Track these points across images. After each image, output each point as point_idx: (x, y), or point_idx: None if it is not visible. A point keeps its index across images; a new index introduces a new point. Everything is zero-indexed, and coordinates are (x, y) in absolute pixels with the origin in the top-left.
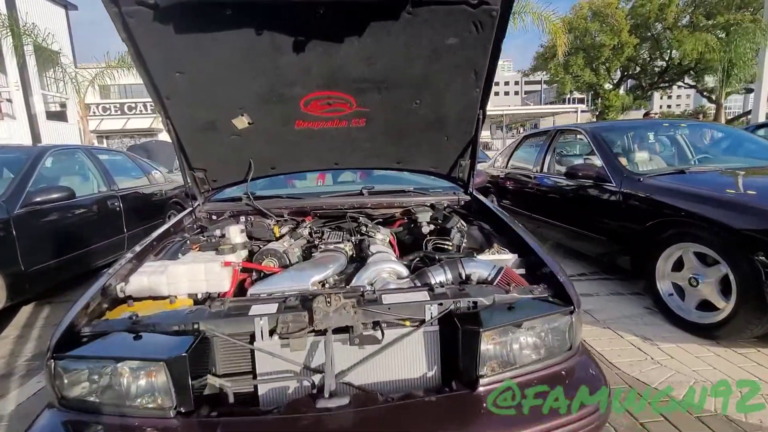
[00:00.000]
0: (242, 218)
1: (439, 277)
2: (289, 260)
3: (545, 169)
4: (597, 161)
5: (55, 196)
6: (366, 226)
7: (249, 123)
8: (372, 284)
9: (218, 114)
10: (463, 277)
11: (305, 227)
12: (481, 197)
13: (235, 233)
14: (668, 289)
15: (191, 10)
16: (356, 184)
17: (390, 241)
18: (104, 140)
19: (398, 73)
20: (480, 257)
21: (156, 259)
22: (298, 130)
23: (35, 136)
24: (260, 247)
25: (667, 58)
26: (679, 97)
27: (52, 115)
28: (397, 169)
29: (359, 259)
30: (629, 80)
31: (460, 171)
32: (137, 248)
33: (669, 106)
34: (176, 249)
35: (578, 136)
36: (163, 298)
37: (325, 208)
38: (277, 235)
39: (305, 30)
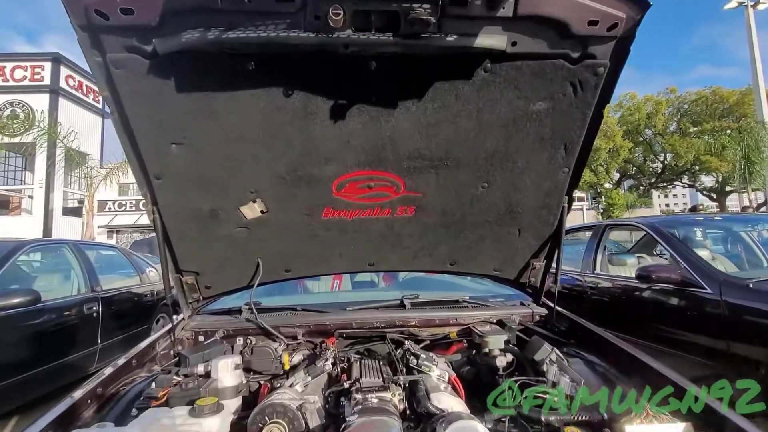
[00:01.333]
0: (239, 340)
1: None
2: (307, 425)
3: (597, 270)
4: (674, 261)
5: (14, 301)
6: (417, 356)
7: (262, 212)
8: None
9: (223, 200)
10: None
11: (328, 357)
12: (564, 311)
13: (225, 371)
14: None
15: (201, 61)
16: (381, 290)
17: (452, 381)
18: (114, 234)
19: (464, 147)
20: (632, 429)
21: (90, 422)
22: (325, 221)
23: (47, 230)
24: (260, 384)
25: (662, 160)
26: (675, 195)
27: (68, 211)
28: (450, 272)
29: (414, 418)
30: (628, 180)
31: (532, 275)
32: (69, 400)
33: (667, 205)
34: (129, 401)
35: (634, 233)
36: None
37: (354, 326)
38: (287, 367)
39: (350, 91)
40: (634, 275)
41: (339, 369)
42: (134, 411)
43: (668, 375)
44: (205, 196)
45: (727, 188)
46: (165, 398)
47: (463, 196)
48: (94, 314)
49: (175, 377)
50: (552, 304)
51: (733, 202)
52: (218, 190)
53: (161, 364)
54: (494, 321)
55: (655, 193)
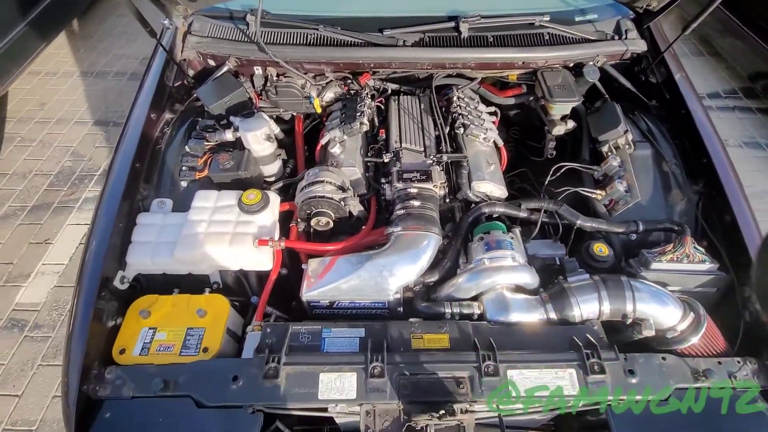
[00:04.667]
0: (257, 70)
1: (588, 307)
2: (350, 213)
3: None
4: None
5: None
6: (465, 126)
7: None
8: (480, 298)
9: None
10: (629, 318)
11: (363, 110)
12: (671, 62)
13: (257, 144)
14: None
15: None
16: None
17: (498, 148)
18: None
19: None
20: (658, 265)
21: (147, 195)
22: None
23: None
24: (293, 116)
25: None
26: None
27: None
28: None
29: (453, 199)
30: None
31: None
32: (111, 175)
33: None
34: (172, 169)
35: None
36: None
37: (393, 66)
38: (319, 110)
39: None
40: None
41: (377, 121)
42: (183, 183)
43: (730, 192)
44: None
45: None
46: (206, 171)
47: None
48: None
49: (205, 142)
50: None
51: None
52: None
53: (180, 97)
54: (571, 65)
55: None
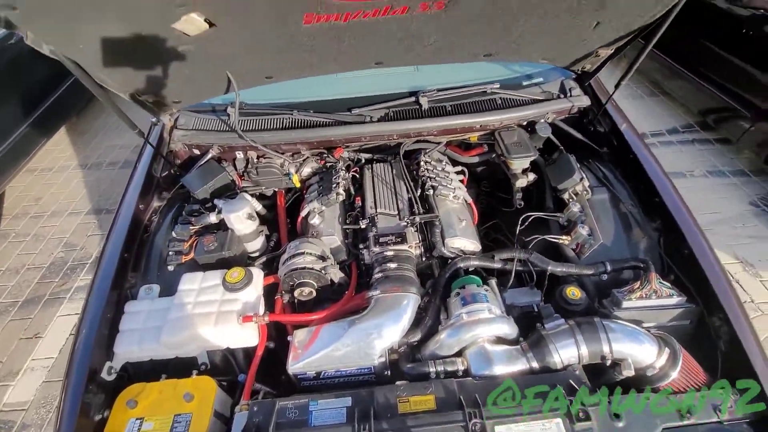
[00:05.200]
0: (239, 154)
1: (567, 352)
2: (332, 280)
3: None
4: None
5: None
6: (434, 188)
7: (208, 22)
8: (463, 353)
9: (134, 21)
10: (608, 359)
11: (339, 181)
12: (614, 113)
13: (240, 223)
14: None
15: None
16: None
17: (468, 204)
18: None
19: None
20: (629, 303)
21: (135, 283)
22: (308, 30)
23: None
24: (275, 191)
25: None
26: None
27: None
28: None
29: (429, 257)
30: None
31: (590, 62)
32: (101, 268)
33: None
34: (159, 255)
35: None
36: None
37: (364, 139)
38: (298, 185)
39: None
40: None
41: (352, 189)
42: (170, 267)
43: (684, 227)
44: (105, 20)
45: None
46: (191, 254)
47: None
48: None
49: (191, 226)
50: (606, 96)
51: None
52: (126, 10)
53: (167, 186)
54: (525, 123)
55: None
